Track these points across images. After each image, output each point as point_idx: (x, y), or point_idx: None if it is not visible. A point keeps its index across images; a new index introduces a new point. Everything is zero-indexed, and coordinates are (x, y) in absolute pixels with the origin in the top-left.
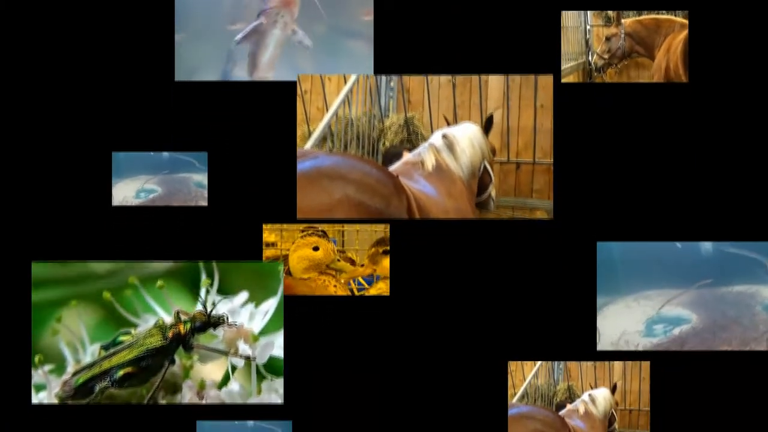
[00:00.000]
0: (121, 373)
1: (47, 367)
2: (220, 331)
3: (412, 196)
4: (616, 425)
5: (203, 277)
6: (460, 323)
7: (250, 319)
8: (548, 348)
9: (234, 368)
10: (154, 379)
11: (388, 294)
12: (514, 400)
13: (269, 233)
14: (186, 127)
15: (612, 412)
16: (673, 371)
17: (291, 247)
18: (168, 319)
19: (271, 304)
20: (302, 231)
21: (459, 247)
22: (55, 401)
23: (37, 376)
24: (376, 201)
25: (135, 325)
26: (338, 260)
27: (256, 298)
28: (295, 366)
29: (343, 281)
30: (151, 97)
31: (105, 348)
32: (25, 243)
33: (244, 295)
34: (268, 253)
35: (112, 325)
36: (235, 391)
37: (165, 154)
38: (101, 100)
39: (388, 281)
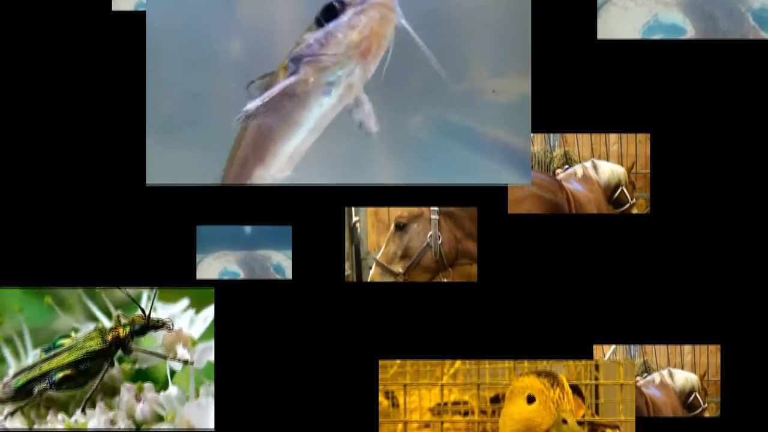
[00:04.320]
0: (60, 375)
1: None
2: (160, 335)
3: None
4: (630, 204)
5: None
6: None
7: (190, 324)
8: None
9: (173, 372)
10: (92, 381)
11: None
12: None
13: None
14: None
15: (622, 190)
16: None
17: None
18: (108, 324)
19: (211, 312)
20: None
21: None
22: None
23: None
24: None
25: (76, 330)
26: (564, 421)
27: (197, 306)
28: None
29: None
30: None
31: (45, 351)
32: None
33: (184, 302)
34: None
35: (54, 329)
36: (173, 395)
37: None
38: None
39: None
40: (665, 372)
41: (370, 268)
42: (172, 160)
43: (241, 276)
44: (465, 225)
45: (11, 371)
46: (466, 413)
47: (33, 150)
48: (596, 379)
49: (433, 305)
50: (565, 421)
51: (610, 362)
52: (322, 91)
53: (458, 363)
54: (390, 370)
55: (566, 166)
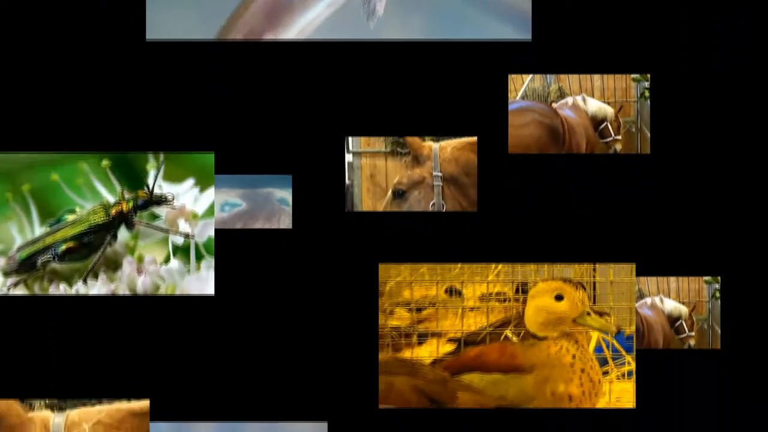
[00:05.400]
0: (63, 247)
1: None
2: (163, 211)
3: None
4: (613, 138)
5: (150, 160)
6: None
7: (195, 202)
8: None
9: (175, 247)
10: (95, 255)
11: None
12: (518, 97)
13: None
14: None
15: (607, 125)
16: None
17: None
18: (112, 199)
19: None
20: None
21: None
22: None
23: None
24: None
25: (81, 205)
26: (588, 313)
27: (202, 184)
28: None
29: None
30: None
31: (50, 225)
32: None
33: (190, 182)
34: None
35: (60, 206)
36: (174, 268)
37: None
38: None
39: None
40: (657, 298)
41: None
42: (173, 14)
43: (243, 206)
44: (470, 193)
45: (16, 245)
46: (504, 300)
47: (25, 5)
48: (594, 277)
49: (433, 235)
50: (588, 314)
51: (605, 266)
52: None
53: (500, 266)
54: (453, 272)
55: (560, 100)
